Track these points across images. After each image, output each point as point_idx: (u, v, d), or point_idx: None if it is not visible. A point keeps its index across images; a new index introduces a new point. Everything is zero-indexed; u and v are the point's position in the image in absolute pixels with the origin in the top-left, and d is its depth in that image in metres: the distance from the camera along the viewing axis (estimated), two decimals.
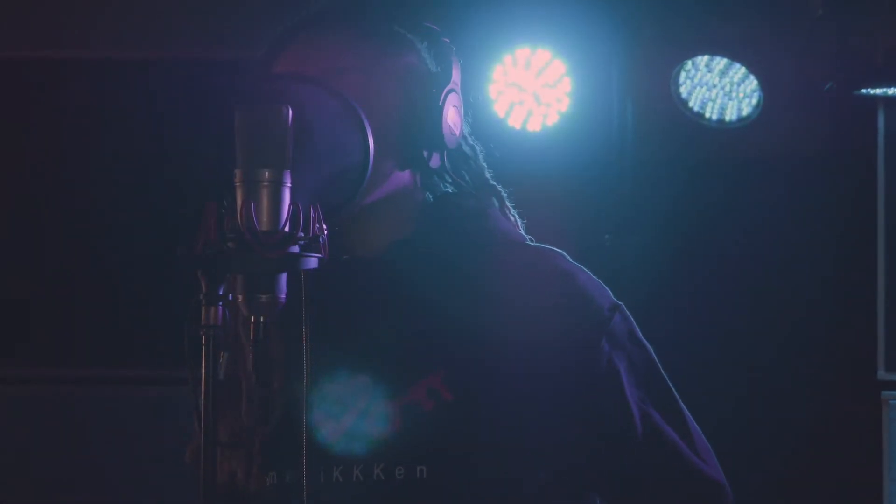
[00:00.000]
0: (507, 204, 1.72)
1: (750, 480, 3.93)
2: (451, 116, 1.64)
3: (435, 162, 1.63)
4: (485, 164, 1.73)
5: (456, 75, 1.67)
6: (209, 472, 1.35)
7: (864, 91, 3.92)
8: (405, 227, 1.63)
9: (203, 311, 1.34)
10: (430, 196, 1.67)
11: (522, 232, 1.71)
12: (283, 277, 1.36)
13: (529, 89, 3.94)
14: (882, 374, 4.12)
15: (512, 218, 1.72)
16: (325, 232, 1.38)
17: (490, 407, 1.56)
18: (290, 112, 1.35)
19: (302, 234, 1.36)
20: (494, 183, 1.72)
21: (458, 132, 1.66)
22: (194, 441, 1.61)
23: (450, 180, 1.69)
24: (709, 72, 4.02)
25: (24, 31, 4.02)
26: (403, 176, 1.64)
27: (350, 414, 1.58)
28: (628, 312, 1.64)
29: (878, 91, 3.92)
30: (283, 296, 1.36)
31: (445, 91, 1.63)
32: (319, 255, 1.37)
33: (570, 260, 1.66)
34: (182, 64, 3.94)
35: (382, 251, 1.62)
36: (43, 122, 4.08)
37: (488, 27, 3.86)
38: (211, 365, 1.34)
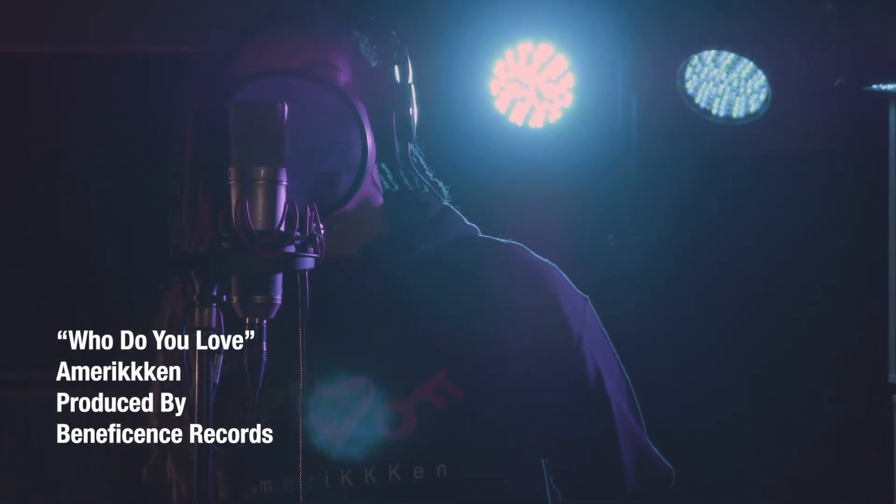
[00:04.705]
0: (448, 201, 1.74)
1: (759, 483, 3.91)
2: (413, 108, 1.65)
3: (398, 154, 1.63)
4: (423, 161, 1.74)
5: (410, 68, 1.66)
6: (203, 478, 1.32)
7: (874, 87, 3.90)
8: (375, 227, 1.63)
9: (197, 313, 1.32)
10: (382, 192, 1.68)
11: (474, 225, 1.73)
12: (280, 278, 1.35)
13: (532, 85, 3.92)
14: (893, 378, 4.10)
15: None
16: (323, 231, 1.36)
17: (496, 403, 1.58)
18: (286, 109, 1.33)
19: (298, 234, 1.34)
20: (436, 179, 1.73)
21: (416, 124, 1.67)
22: (152, 457, 1.60)
23: (392, 177, 1.70)
24: (716, 67, 4.00)
25: (20, 25, 4.00)
26: (376, 170, 1.65)
27: (353, 417, 1.57)
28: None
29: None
30: (279, 297, 1.35)
31: (410, 82, 1.62)
32: (316, 256, 1.35)
33: (535, 253, 1.69)
34: (177, 59, 3.92)
35: (356, 252, 1.61)
36: (38, 117, 4.06)
37: (489, 21, 3.84)
38: (205, 367, 1.32)
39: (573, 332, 1.63)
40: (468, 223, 1.70)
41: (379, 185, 1.66)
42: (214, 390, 1.33)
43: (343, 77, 1.58)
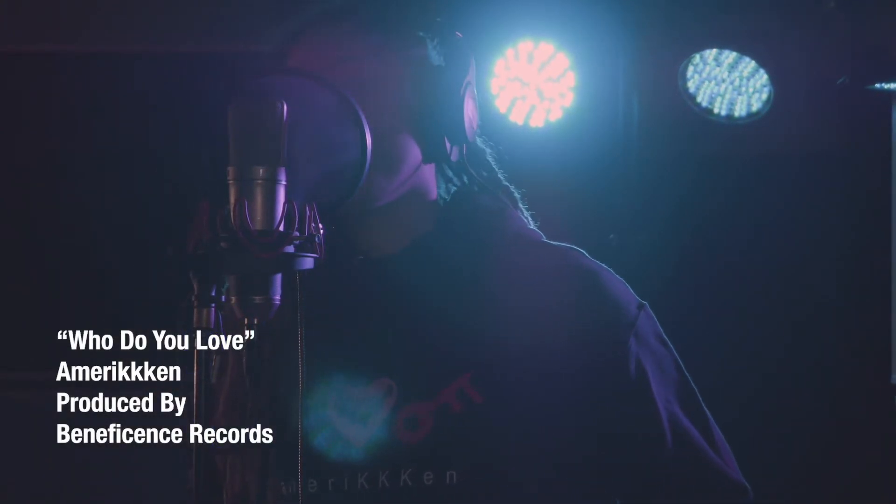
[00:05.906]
0: (521, 205, 1.71)
1: (761, 484, 3.89)
2: (470, 110, 1.63)
3: (455, 156, 1.62)
4: (495, 164, 1.73)
5: (472, 70, 1.65)
6: (202, 479, 1.32)
7: (877, 86, 3.90)
8: (420, 226, 1.62)
9: (195, 314, 1.32)
10: (446, 192, 1.66)
11: (538, 230, 1.70)
12: (278, 278, 1.34)
13: (532, 84, 3.91)
14: None
15: (526, 217, 1.71)
16: (322, 231, 1.35)
17: (518, 408, 1.55)
18: (285, 107, 1.32)
19: (297, 234, 1.33)
20: (507, 183, 1.71)
21: (475, 127, 1.65)
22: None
23: (465, 179, 1.68)
24: (717, 66, 4.00)
25: (13, 24, 4.00)
26: (427, 170, 1.63)
27: (375, 419, 1.56)
28: (651, 311, 1.65)
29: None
30: (278, 297, 1.34)
31: (464, 83, 1.61)
32: (315, 256, 1.34)
33: (591, 258, 1.66)
34: (175, 58, 3.92)
35: (398, 251, 1.61)
36: (38, 116, 4.06)
37: (489, 19, 3.84)
38: (203, 368, 1.31)
39: (619, 337, 1.58)
40: (530, 227, 1.68)
41: (429, 184, 1.64)
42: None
43: (376, 69, 1.58)
